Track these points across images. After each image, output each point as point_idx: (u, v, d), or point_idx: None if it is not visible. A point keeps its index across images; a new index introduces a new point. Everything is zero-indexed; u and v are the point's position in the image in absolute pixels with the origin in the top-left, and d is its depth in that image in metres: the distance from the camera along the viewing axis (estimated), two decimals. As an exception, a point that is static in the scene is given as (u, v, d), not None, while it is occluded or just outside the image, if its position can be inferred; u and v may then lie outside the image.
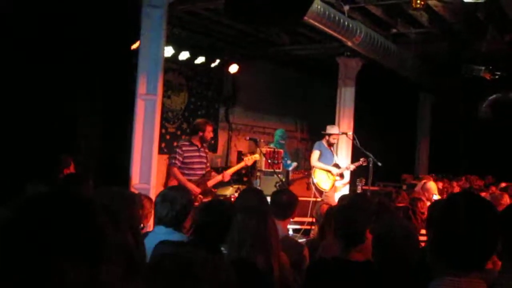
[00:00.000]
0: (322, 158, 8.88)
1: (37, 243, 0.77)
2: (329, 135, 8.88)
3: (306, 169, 10.60)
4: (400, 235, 2.68)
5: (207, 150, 7.14)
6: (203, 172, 6.90)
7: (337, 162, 9.03)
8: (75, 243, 0.79)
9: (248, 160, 7.53)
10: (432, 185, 7.35)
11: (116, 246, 0.82)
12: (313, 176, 8.92)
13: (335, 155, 9.12)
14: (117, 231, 0.85)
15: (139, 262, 0.87)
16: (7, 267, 0.76)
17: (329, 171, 8.82)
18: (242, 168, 8.67)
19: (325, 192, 8.74)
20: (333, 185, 8.90)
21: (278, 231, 3.31)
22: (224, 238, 3.07)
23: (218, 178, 7.05)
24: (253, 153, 10.08)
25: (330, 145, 8.96)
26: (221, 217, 3.15)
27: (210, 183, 6.94)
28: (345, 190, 9.82)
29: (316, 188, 8.75)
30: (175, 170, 6.70)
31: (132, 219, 2.05)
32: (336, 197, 8.63)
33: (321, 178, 8.84)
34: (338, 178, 8.97)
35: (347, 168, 9.39)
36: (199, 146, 6.88)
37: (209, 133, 6.92)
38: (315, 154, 8.93)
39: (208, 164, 7.08)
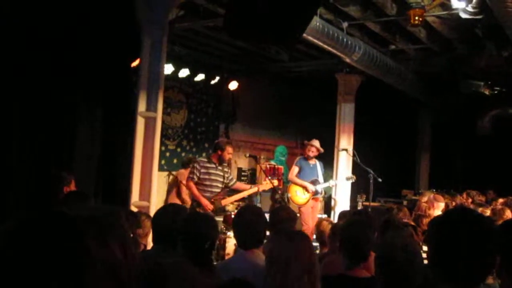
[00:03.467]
0: (301, 174, 8.93)
1: (23, 266, 0.78)
2: (307, 147, 8.91)
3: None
4: (402, 255, 2.66)
5: (226, 169, 7.14)
6: (219, 190, 6.96)
7: (318, 178, 8.99)
8: (61, 264, 0.80)
9: (265, 186, 7.41)
10: (441, 204, 7.34)
11: (101, 262, 0.83)
12: (288, 191, 9.04)
13: (319, 169, 9.06)
14: (104, 246, 0.87)
15: (126, 275, 0.89)
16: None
17: (304, 187, 8.83)
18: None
19: (299, 206, 8.73)
20: (308, 200, 8.87)
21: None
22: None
23: (230, 199, 7.20)
24: (253, 169, 10.12)
25: (311, 158, 8.95)
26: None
27: (225, 202, 7.03)
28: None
29: (291, 203, 8.77)
30: (191, 184, 6.82)
31: (123, 233, 2.07)
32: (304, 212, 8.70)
33: (295, 193, 8.88)
34: (316, 190, 8.90)
35: (331, 185, 9.44)
36: (217, 164, 6.95)
37: (228, 154, 7.00)
38: (293, 169, 9.05)
39: (225, 182, 7.09)
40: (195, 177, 6.81)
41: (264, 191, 10.56)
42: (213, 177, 6.90)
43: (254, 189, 7.35)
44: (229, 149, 7.01)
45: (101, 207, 3.01)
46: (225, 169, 7.11)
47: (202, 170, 6.86)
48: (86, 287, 0.81)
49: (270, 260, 2.70)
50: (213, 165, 6.94)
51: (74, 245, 0.83)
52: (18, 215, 0.87)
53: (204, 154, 10.30)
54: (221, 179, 6.99)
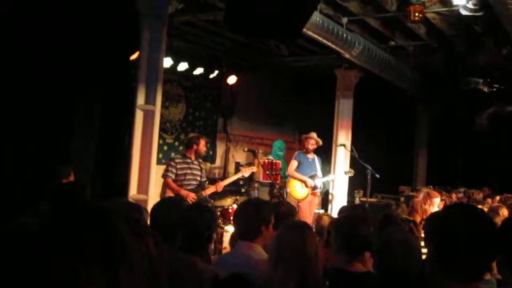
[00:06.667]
0: (300, 168, 8.94)
1: (62, 249, 0.80)
2: (307, 140, 8.91)
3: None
4: (400, 248, 2.67)
5: (202, 165, 7.31)
6: (196, 183, 7.06)
7: (317, 172, 9.01)
8: (98, 249, 0.83)
9: (246, 171, 7.85)
10: (436, 200, 7.35)
11: (136, 253, 0.86)
12: (286, 185, 9.05)
13: (317, 164, 9.09)
14: (139, 240, 0.89)
15: (160, 269, 0.92)
16: (38, 269, 0.79)
17: (303, 181, 8.84)
18: (239, 179, 8.74)
19: (298, 201, 8.75)
20: (307, 195, 8.89)
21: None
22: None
23: (212, 188, 7.19)
24: (250, 164, 10.14)
25: (309, 153, 8.96)
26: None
27: (206, 192, 7.10)
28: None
29: (289, 197, 8.79)
30: (169, 180, 6.88)
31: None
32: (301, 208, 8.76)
33: (294, 187, 8.89)
34: (315, 185, 8.93)
35: (330, 179, 9.49)
36: (193, 159, 7.04)
37: (203, 147, 7.17)
38: (293, 164, 9.05)
39: (203, 175, 7.26)
40: (171, 175, 6.90)
41: (262, 185, 10.60)
42: (188, 172, 7.00)
43: (237, 175, 7.81)
44: (203, 141, 7.18)
45: (132, 204, 3.05)
46: (201, 165, 7.26)
47: (178, 166, 6.95)
48: (120, 273, 0.83)
49: (277, 250, 2.71)
50: (189, 160, 7.05)
51: (109, 231, 0.86)
52: (53, 208, 0.90)
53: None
54: (199, 173, 7.12)
